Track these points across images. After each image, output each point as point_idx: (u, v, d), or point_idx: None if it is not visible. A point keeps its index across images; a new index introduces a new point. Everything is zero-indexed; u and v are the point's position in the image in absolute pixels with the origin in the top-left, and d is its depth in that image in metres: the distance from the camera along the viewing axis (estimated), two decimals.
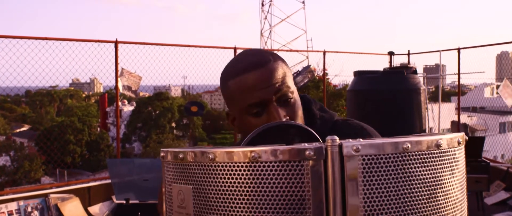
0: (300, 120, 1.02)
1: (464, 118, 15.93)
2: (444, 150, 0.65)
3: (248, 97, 0.98)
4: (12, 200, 5.45)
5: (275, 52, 1.08)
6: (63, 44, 6.23)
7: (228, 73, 1.02)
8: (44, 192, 5.75)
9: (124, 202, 3.73)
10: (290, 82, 1.02)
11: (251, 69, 0.98)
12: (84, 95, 53.42)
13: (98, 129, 35.02)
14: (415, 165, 0.62)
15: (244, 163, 0.61)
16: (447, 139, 0.66)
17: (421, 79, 8.93)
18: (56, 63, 6.42)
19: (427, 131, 8.24)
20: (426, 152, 0.63)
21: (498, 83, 8.93)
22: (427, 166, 0.63)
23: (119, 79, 6.44)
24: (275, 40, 22.06)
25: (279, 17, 22.58)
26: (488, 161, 5.31)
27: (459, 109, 8.37)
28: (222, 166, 0.63)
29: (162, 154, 0.73)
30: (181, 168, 0.69)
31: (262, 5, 22.83)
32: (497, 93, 7.46)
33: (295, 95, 1.03)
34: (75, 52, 6.52)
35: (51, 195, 5.61)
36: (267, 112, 0.99)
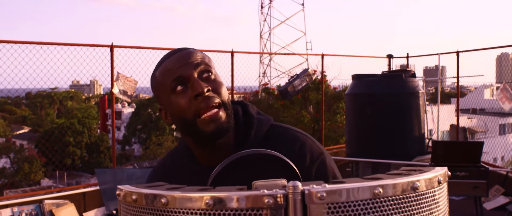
0: (224, 97, 1.05)
1: (464, 120, 15.87)
2: (422, 193, 0.59)
3: (170, 76, 1.03)
4: (6, 206, 5.39)
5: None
6: (61, 47, 6.21)
7: (155, 68, 1.09)
8: (38, 198, 5.68)
9: (114, 212, 3.66)
10: (211, 65, 1.07)
11: (172, 54, 1.06)
12: (84, 97, 53.35)
13: (98, 131, 34.92)
14: (388, 211, 0.56)
15: (199, 210, 0.55)
16: (425, 180, 0.59)
17: (421, 82, 8.87)
18: (54, 64, 6.39)
19: (426, 135, 8.16)
20: (401, 196, 0.57)
21: (498, 85, 8.86)
22: (403, 212, 0.57)
23: (115, 83, 6.38)
24: (274, 42, 22.00)
25: (279, 19, 22.51)
26: (487, 167, 5.24)
27: (458, 113, 8.29)
28: (176, 212, 0.57)
29: (117, 192, 0.67)
30: (135, 211, 0.62)
31: (262, 7, 22.77)
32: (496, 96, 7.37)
33: (216, 75, 1.07)
34: (73, 53, 6.49)
35: (46, 201, 5.55)
36: (190, 86, 1.02)
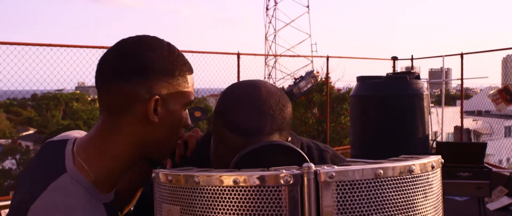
0: None
1: (469, 122, 15.87)
2: (417, 175, 0.69)
3: (223, 155, 0.95)
4: (6, 207, 5.43)
5: (284, 102, 0.98)
6: (65, 48, 6.31)
7: (223, 115, 0.98)
8: None
9: None
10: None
11: (241, 134, 0.91)
12: (89, 99, 53.60)
13: None
14: (388, 190, 0.66)
15: (225, 187, 0.66)
16: (420, 164, 0.69)
17: (425, 84, 8.93)
18: (57, 66, 6.46)
19: (430, 137, 8.22)
20: (399, 177, 0.67)
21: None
22: (401, 191, 0.66)
23: None
24: (279, 44, 22.14)
25: (284, 21, 22.66)
26: (490, 167, 5.31)
27: (462, 115, 8.36)
28: (206, 189, 0.67)
29: (153, 174, 0.77)
30: (170, 190, 0.73)
31: (267, 9, 22.90)
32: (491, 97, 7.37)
33: None
34: (77, 55, 6.57)
35: None
36: None
